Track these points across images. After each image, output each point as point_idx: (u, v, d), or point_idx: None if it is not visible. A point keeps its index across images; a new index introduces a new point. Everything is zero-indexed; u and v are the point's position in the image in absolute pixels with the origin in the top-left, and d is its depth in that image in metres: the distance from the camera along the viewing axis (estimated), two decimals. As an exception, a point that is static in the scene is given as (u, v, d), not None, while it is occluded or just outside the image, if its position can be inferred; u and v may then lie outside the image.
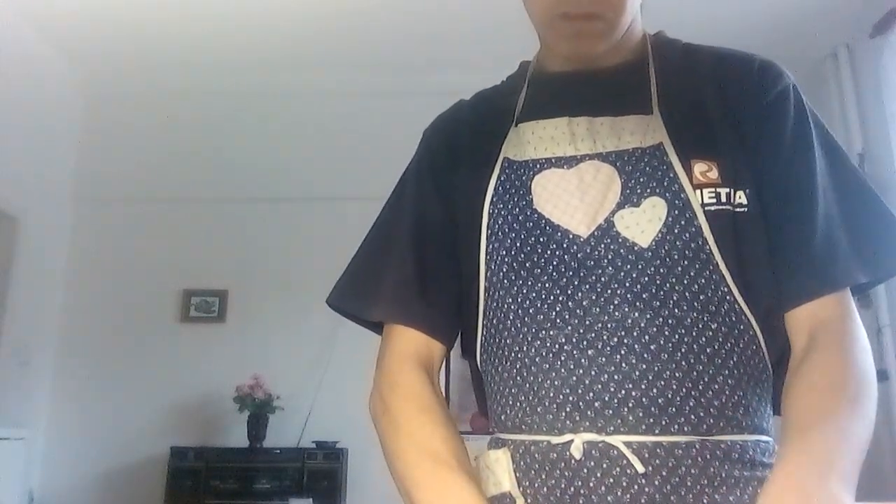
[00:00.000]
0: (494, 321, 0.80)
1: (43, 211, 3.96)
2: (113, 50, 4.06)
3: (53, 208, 4.09)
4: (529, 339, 0.77)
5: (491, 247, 0.81)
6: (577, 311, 0.75)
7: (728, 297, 0.74)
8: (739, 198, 0.76)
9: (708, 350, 0.72)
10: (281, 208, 4.18)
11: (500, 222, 0.81)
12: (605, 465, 0.70)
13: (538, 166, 0.82)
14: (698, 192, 0.75)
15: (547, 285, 0.77)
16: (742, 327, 0.74)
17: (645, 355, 0.72)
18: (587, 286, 0.75)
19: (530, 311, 0.77)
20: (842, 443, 0.64)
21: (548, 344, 0.75)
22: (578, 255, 0.76)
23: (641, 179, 0.77)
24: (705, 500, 0.69)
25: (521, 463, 0.75)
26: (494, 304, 0.81)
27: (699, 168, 0.76)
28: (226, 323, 4.06)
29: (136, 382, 3.93)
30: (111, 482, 3.81)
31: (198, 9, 3.67)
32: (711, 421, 0.71)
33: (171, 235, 4.18)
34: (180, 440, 3.72)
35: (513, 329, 0.78)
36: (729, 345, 0.73)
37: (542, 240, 0.78)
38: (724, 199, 0.76)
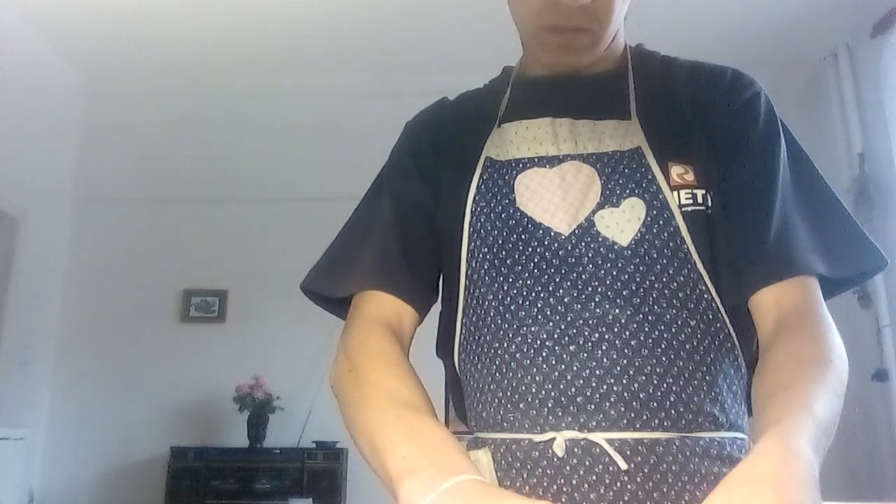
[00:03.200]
0: (474, 318, 0.81)
1: (43, 211, 3.96)
2: (113, 50, 4.06)
3: (53, 208, 4.10)
4: (510, 335, 0.77)
5: (473, 244, 0.82)
6: (559, 307, 0.76)
7: (706, 296, 0.76)
8: (709, 200, 0.79)
9: (687, 346, 0.74)
10: (281, 208, 4.18)
11: (482, 220, 0.82)
12: (587, 463, 0.70)
13: (521, 165, 0.83)
14: (675, 193, 0.78)
15: (528, 282, 0.78)
16: (718, 325, 0.76)
17: (626, 350, 0.73)
18: (568, 283, 0.76)
19: (511, 307, 0.78)
20: (818, 415, 0.63)
21: (529, 340, 0.76)
22: (560, 253, 0.77)
23: (621, 181, 0.79)
24: (686, 497, 0.69)
25: (503, 462, 0.75)
26: (475, 302, 0.81)
27: (676, 171, 0.79)
28: (226, 323, 4.06)
29: (136, 382, 3.93)
30: (111, 482, 3.81)
31: (197, 9, 3.67)
32: (690, 416, 0.72)
33: (171, 235, 4.18)
34: (180, 440, 3.72)
35: (493, 326, 0.78)
36: (707, 342, 0.75)
37: (523, 237, 0.79)
38: (699, 200, 0.78)
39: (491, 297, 0.79)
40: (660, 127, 0.82)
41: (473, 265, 0.81)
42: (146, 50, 4.04)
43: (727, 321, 0.76)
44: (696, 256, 0.76)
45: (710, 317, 0.75)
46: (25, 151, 3.81)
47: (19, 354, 3.71)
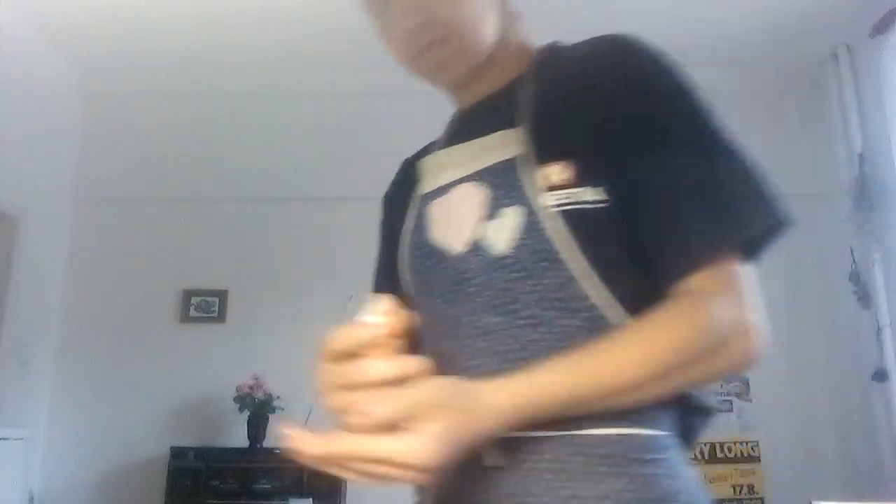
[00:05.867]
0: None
1: (43, 211, 3.96)
2: (113, 50, 4.06)
3: (53, 208, 4.09)
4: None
5: (411, 277, 0.91)
6: (456, 324, 0.82)
7: (581, 293, 0.75)
8: (597, 194, 0.76)
9: (564, 345, 0.74)
10: (281, 208, 4.18)
11: (415, 254, 0.90)
12: (463, 461, 0.70)
13: (427, 199, 0.90)
14: (550, 194, 0.77)
15: (437, 302, 0.85)
16: (602, 322, 0.75)
17: (507, 356, 0.77)
18: (463, 299, 0.82)
19: (427, 331, 0.83)
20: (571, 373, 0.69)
21: (445, 358, 0.79)
22: (455, 273, 0.83)
23: (501, 191, 0.81)
24: (565, 494, 0.71)
25: None
26: (417, 329, 0.83)
27: (554, 171, 0.78)
28: (226, 323, 4.06)
29: (136, 382, 3.93)
30: (111, 482, 3.81)
31: (197, 9, 3.67)
32: (570, 413, 0.72)
33: (171, 235, 4.18)
34: (180, 440, 3.73)
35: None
36: (591, 338, 0.73)
37: (428, 263, 0.87)
38: (578, 198, 0.76)
39: (421, 323, 0.83)
40: (544, 127, 0.81)
41: (411, 295, 0.90)
42: (146, 50, 4.04)
43: (612, 317, 0.75)
44: (566, 257, 0.75)
45: (593, 314, 0.75)
46: (25, 151, 3.81)
47: (19, 354, 3.71)
